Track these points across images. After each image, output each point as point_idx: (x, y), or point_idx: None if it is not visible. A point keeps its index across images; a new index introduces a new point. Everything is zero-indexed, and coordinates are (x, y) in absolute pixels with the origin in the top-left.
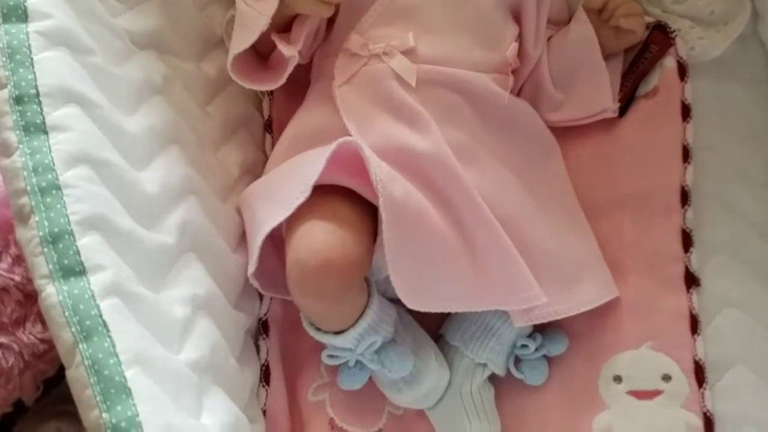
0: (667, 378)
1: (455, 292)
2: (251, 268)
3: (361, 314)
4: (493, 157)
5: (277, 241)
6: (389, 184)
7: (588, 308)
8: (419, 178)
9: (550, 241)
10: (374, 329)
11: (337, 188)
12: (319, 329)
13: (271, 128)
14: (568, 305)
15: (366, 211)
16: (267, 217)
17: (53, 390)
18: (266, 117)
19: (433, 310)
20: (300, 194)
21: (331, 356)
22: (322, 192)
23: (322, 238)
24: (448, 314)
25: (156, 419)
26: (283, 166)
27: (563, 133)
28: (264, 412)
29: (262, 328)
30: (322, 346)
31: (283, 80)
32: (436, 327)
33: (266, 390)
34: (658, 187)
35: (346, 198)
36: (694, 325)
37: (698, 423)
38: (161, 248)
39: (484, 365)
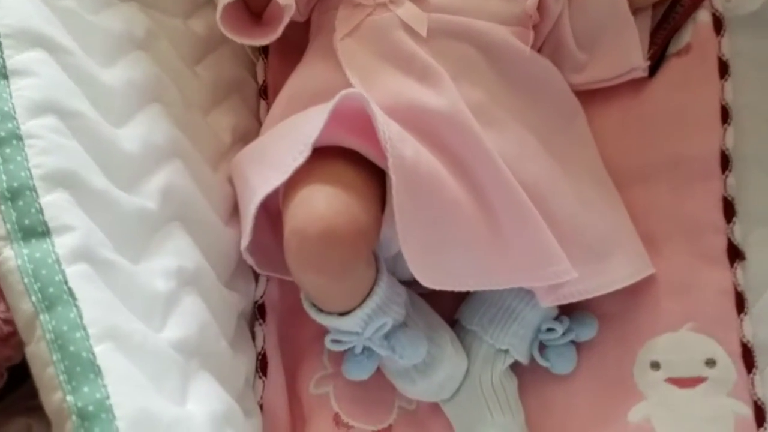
0: (711, 363)
1: (473, 267)
2: (244, 241)
3: (369, 292)
4: (514, 119)
5: (273, 212)
6: (399, 145)
7: (621, 286)
8: (431, 139)
9: (578, 212)
10: (383, 310)
11: (340, 150)
12: (321, 310)
13: (266, 94)
14: (599, 283)
15: (373, 176)
16: (261, 183)
17: (25, 382)
18: (261, 82)
19: (449, 288)
20: (298, 154)
21: (335, 341)
22: (323, 154)
23: (324, 203)
24: (464, 297)
25: (130, 403)
26: (278, 127)
27: (587, 97)
28: (261, 406)
29: (258, 312)
30: (324, 333)
31: (278, 33)
32: (450, 311)
33: (263, 381)
34: (696, 152)
35: (350, 161)
36: (740, 303)
37: (748, 412)
38: (141, 213)
39: (506, 352)
